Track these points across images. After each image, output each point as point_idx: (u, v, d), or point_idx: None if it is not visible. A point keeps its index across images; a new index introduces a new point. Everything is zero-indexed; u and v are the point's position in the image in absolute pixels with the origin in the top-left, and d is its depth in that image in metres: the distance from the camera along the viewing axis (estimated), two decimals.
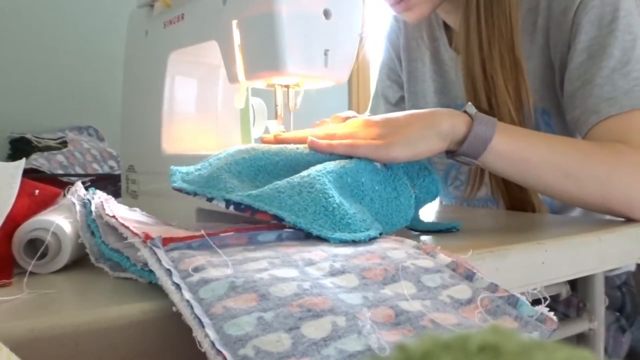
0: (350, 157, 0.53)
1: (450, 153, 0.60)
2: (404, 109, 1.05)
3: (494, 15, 0.75)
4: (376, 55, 1.16)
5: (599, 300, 0.63)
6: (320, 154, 0.54)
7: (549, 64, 0.79)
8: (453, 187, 0.97)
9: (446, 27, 0.95)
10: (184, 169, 0.51)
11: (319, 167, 0.49)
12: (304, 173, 0.48)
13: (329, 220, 0.44)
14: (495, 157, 0.59)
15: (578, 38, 0.72)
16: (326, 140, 0.55)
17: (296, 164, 0.52)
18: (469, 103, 0.61)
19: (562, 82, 0.76)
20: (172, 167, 0.50)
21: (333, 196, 0.46)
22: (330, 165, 0.50)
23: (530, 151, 0.60)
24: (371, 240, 0.44)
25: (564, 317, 0.69)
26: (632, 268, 0.89)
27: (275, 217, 0.44)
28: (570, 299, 0.67)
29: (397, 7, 0.81)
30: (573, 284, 0.63)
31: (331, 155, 0.54)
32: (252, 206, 0.44)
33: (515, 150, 0.59)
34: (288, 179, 0.48)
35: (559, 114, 0.80)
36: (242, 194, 0.46)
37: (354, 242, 0.42)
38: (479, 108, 0.60)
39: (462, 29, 0.79)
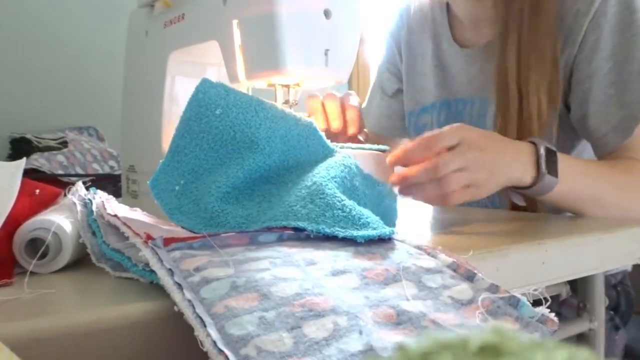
0: (337, 157, 0.53)
1: (511, 188, 0.65)
2: (400, 102, 1.07)
3: (537, 14, 0.76)
4: (376, 55, 1.17)
5: (599, 300, 0.63)
6: (303, 151, 0.53)
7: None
8: None
9: (450, 24, 0.96)
10: (160, 177, 0.48)
11: (321, 172, 0.49)
12: (308, 182, 0.48)
13: (349, 222, 0.44)
14: (551, 199, 0.65)
15: (600, 45, 0.74)
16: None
17: (285, 160, 0.52)
18: (542, 144, 0.64)
19: (568, 82, 0.79)
20: (149, 182, 0.48)
21: (345, 199, 0.46)
22: (332, 170, 0.50)
23: (585, 192, 0.67)
24: (372, 240, 0.44)
25: (559, 316, 0.69)
26: (629, 268, 0.89)
27: (295, 229, 0.43)
28: (569, 300, 0.67)
29: None
30: (572, 284, 0.63)
31: (312, 150, 0.54)
32: (269, 226, 0.44)
33: (571, 195, 0.66)
34: (295, 191, 0.47)
35: (560, 125, 0.82)
36: (258, 222, 0.45)
37: (354, 243, 0.42)
38: (548, 150, 0.63)
39: (500, 27, 0.80)
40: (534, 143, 0.64)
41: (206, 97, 0.50)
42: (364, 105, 1.13)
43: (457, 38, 0.95)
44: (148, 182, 0.48)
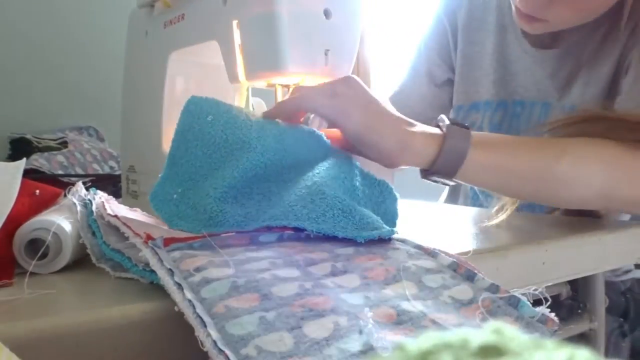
0: (337, 157, 0.53)
1: (423, 171, 0.56)
2: (447, 92, 0.96)
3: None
4: (377, 55, 1.10)
5: (599, 300, 0.63)
6: (302, 150, 0.53)
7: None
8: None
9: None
10: (159, 191, 0.48)
11: (321, 172, 0.49)
12: (308, 182, 0.48)
13: (350, 222, 0.44)
14: (473, 173, 0.55)
15: None
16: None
17: (282, 158, 0.52)
18: (442, 116, 0.57)
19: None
20: (149, 196, 0.48)
21: (345, 199, 0.46)
22: (332, 170, 0.50)
23: (513, 159, 0.56)
24: (372, 240, 0.44)
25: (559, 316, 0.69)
26: (638, 275, 0.88)
27: (295, 229, 0.44)
28: (568, 302, 0.66)
29: (530, 24, 0.73)
30: (573, 284, 0.63)
31: (310, 146, 0.53)
32: (269, 225, 0.44)
33: (496, 162, 0.55)
34: (295, 191, 0.47)
35: None
36: (258, 221, 0.45)
37: (355, 243, 0.42)
38: (456, 123, 0.55)
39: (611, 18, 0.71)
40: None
41: (197, 107, 0.51)
42: (395, 89, 1.00)
43: (526, 33, 0.83)
44: (149, 196, 0.48)
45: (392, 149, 0.53)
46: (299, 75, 0.57)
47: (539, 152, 0.58)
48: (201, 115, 0.51)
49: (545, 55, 0.83)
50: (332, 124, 0.54)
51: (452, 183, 0.56)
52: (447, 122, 0.55)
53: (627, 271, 0.85)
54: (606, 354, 0.74)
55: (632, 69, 0.72)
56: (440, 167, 0.54)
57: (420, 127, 0.54)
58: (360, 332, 0.29)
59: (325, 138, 0.56)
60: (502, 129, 0.88)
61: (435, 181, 0.57)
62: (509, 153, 0.56)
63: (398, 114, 0.55)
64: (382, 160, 0.55)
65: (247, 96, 0.64)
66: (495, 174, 0.56)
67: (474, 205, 0.95)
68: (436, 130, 0.55)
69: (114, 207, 0.46)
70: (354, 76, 0.55)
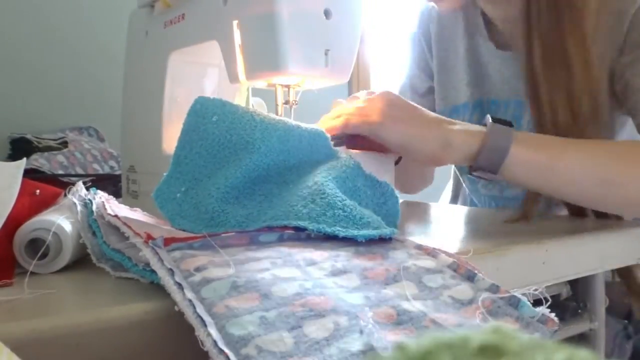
0: (340, 159, 0.53)
1: (470, 168, 0.59)
2: (431, 101, 1.00)
3: (557, 5, 0.70)
4: (377, 55, 1.13)
5: (600, 300, 0.63)
6: (305, 151, 0.53)
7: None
8: (480, 185, 0.94)
9: (485, 20, 0.90)
10: (164, 189, 0.49)
11: (322, 172, 0.49)
12: (309, 182, 0.48)
13: (350, 221, 0.44)
14: (518, 169, 0.56)
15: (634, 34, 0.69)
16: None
17: (285, 160, 0.52)
18: (488, 115, 0.59)
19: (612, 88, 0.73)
20: (153, 194, 0.49)
21: (346, 199, 0.46)
22: (333, 170, 0.50)
23: (562, 161, 0.57)
24: (372, 240, 0.44)
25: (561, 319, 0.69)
26: None
27: (296, 228, 0.44)
28: (568, 303, 0.66)
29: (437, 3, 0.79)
30: (573, 284, 0.63)
31: (315, 150, 0.54)
32: (270, 225, 0.44)
33: (542, 161, 0.56)
34: (296, 191, 0.48)
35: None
36: (259, 221, 0.45)
37: (355, 243, 0.42)
38: (500, 121, 0.57)
39: (523, 20, 0.74)
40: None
41: (203, 107, 0.51)
42: None
43: (492, 37, 0.89)
44: (152, 194, 0.49)
45: (435, 149, 0.56)
46: (299, 75, 0.57)
47: (585, 153, 0.58)
48: (207, 115, 0.51)
49: (507, 55, 0.86)
50: (375, 139, 0.57)
51: (498, 178, 0.58)
52: (490, 121, 0.57)
53: None
54: (611, 357, 0.74)
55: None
56: (483, 163, 0.56)
57: (461, 126, 0.57)
58: (361, 332, 0.29)
59: (330, 139, 0.56)
60: None
61: (480, 177, 0.59)
62: (553, 152, 0.57)
63: (438, 116, 0.58)
64: (428, 162, 0.58)
65: (247, 96, 0.64)
66: (538, 172, 0.57)
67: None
68: (479, 128, 0.57)
69: (114, 207, 0.46)
70: (391, 91, 0.59)
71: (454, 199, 1.07)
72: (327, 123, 0.60)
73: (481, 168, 0.57)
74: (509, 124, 0.58)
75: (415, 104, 0.59)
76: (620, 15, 0.72)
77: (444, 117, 0.58)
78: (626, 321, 0.83)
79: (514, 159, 0.56)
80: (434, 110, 0.97)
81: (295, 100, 0.62)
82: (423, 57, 1.03)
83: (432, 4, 0.94)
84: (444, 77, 0.97)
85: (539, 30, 0.71)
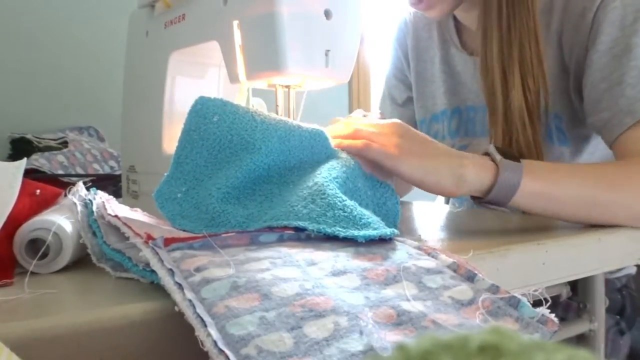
0: (340, 159, 0.53)
1: (477, 199, 0.60)
2: (411, 111, 1.05)
3: (515, 10, 0.74)
4: (377, 55, 1.16)
5: (599, 301, 0.63)
6: (306, 151, 0.53)
7: (563, 67, 0.78)
8: None
9: (457, 29, 0.94)
10: (164, 189, 0.49)
11: (323, 173, 0.49)
12: (310, 182, 0.48)
13: (350, 222, 0.44)
14: (524, 200, 0.59)
15: (599, 39, 0.71)
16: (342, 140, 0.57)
17: (286, 160, 0.52)
18: (491, 145, 0.60)
19: (578, 86, 0.76)
20: (154, 194, 0.49)
21: (346, 199, 0.46)
22: (334, 171, 0.50)
23: (559, 188, 0.60)
24: (372, 240, 0.44)
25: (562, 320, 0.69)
26: (633, 271, 0.88)
27: (296, 228, 0.44)
28: (569, 303, 0.67)
29: (418, 5, 0.81)
30: (573, 285, 0.63)
31: (315, 152, 0.54)
32: (270, 225, 0.44)
33: (544, 191, 0.59)
34: (296, 191, 0.48)
35: (571, 119, 0.80)
36: (259, 222, 0.45)
37: (355, 243, 0.42)
38: (505, 153, 0.59)
39: (480, 25, 0.77)
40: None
41: (204, 107, 0.51)
42: (378, 115, 1.10)
43: (465, 44, 0.93)
44: (153, 194, 0.49)
45: (449, 185, 0.57)
46: (299, 75, 0.57)
47: (577, 177, 0.61)
48: (207, 115, 0.51)
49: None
50: (390, 170, 0.58)
51: (506, 210, 0.60)
52: (498, 155, 0.59)
53: (622, 268, 0.85)
54: (604, 352, 0.74)
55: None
56: (494, 197, 0.58)
57: (471, 159, 0.58)
58: (361, 332, 0.29)
59: (330, 140, 0.56)
60: (459, 133, 0.95)
61: (487, 208, 0.61)
62: (554, 181, 0.60)
63: (448, 148, 0.60)
64: (439, 194, 0.60)
65: (247, 96, 0.64)
66: (541, 201, 0.60)
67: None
68: (487, 161, 0.59)
69: (115, 207, 0.46)
70: (401, 122, 0.60)
71: (448, 199, 1.07)
72: (339, 131, 0.60)
73: (492, 202, 0.59)
74: (513, 154, 0.60)
75: (426, 136, 0.60)
76: (584, 13, 0.73)
77: (453, 150, 0.60)
78: (618, 317, 0.83)
79: (521, 192, 0.58)
80: (414, 120, 1.05)
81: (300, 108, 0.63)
82: (401, 67, 1.07)
83: (409, 16, 1.00)
84: (422, 88, 1.01)
85: (498, 32, 0.75)
